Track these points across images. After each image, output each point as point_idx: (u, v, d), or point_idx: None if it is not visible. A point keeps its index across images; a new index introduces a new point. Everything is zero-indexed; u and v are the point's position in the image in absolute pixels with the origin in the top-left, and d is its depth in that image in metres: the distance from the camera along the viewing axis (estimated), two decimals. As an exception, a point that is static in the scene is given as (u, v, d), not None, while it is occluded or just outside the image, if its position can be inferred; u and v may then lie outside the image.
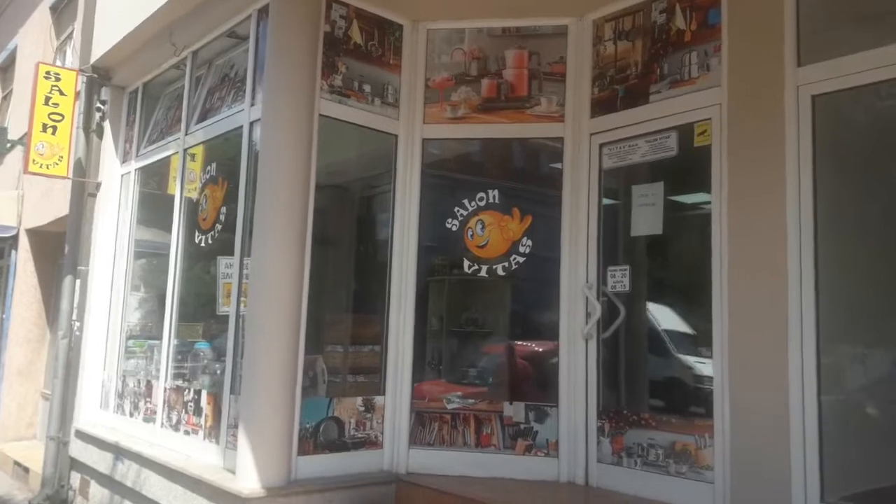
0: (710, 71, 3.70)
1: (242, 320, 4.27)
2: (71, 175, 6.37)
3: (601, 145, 4.20)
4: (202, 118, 5.23)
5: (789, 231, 3.25)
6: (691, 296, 3.92)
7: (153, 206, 6.19)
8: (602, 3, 4.27)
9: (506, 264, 4.38)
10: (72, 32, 8.81)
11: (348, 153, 5.26)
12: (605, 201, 4.19)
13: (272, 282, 3.97)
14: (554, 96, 4.40)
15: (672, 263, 4.09)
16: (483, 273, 4.43)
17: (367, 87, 4.41)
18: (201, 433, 4.67)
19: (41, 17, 9.84)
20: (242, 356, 4.10)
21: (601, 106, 4.24)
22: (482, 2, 4.39)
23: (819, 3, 3.34)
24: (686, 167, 3.84)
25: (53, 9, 9.55)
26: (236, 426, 4.06)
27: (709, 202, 3.63)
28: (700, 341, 3.81)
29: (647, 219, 3.94)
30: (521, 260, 4.35)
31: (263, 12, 4.43)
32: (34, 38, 9.97)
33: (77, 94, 6.43)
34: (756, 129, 3.42)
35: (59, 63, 8.82)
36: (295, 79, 4.02)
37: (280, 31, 4.09)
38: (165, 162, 5.71)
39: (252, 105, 4.46)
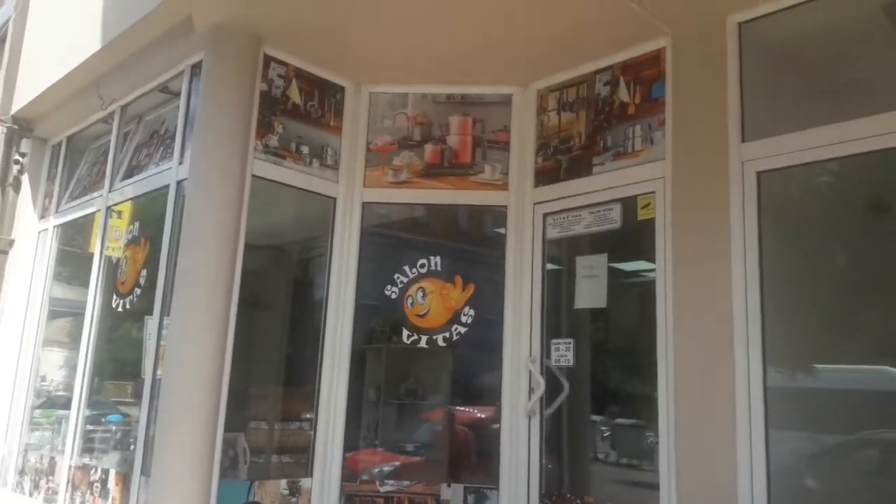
0: (653, 144, 3.68)
1: (159, 388, 3.91)
2: (-20, 231, 5.91)
3: (545, 215, 4.11)
4: (128, 175, 4.94)
5: (735, 308, 3.18)
6: (636, 370, 3.79)
7: (73, 265, 5.79)
8: (546, 74, 4.26)
9: (447, 334, 4.18)
10: (-3, 81, 8.39)
11: (284, 214, 5.05)
12: (550, 270, 4.07)
13: (191, 343, 3.65)
14: (498, 164, 4.32)
15: (616, 336, 3.97)
16: (423, 343, 4.21)
17: (304, 149, 4.23)
18: (106, 519, 4.20)
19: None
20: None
21: (545, 175, 4.17)
22: (426, 68, 4.33)
23: (763, 81, 3.38)
24: (630, 239, 3.77)
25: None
26: (146, 512, 3.65)
27: (653, 275, 3.55)
28: (646, 418, 3.66)
29: (591, 291, 3.83)
30: (463, 330, 4.16)
31: (197, 68, 4.24)
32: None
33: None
34: (701, 203, 3.38)
35: (-20, 112, 8.36)
36: (227, 137, 3.82)
37: (213, 87, 3.90)
38: (88, 219, 5.36)
39: (180, 163, 4.21)
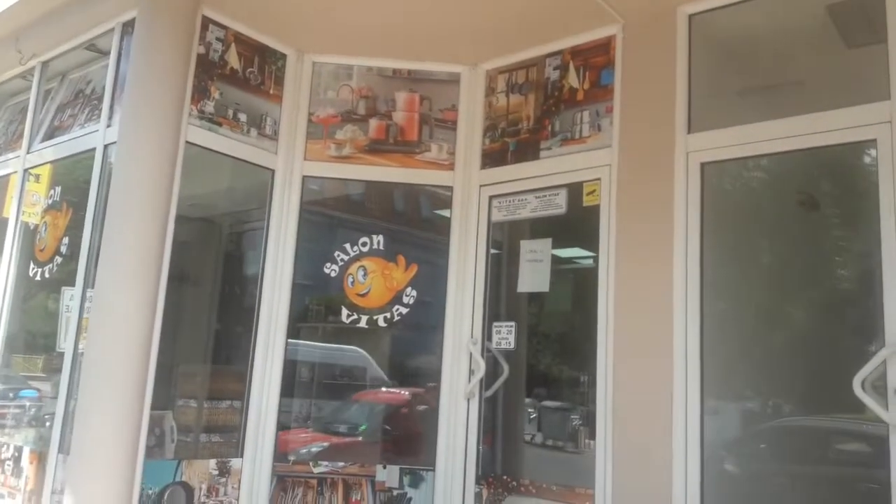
0: (601, 131, 3.69)
1: (80, 362, 3.70)
2: None
3: (491, 197, 4.08)
4: (49, 136, 4.61)
5: (675, 295, 3.23)
6: (576, 356, 3.84)
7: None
8: (496, 54, 4.20)
9: (387, 315, 4.11)
10: None
11: (219, 185, 4.84)
12: (494, 254, 4.05)
13: (117, 317, 3.44)
14: (445, 143, 4.25)
15: (558, 321, 4.00)
16: (362, 323, 4.13)
17: (242, 116, 4.04)
18: (20, 498, 3.96)
19: None
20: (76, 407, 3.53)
21: (492, 158, 4.13)
22: (374, 40, 4.19)
23: (710, 73, 3.43)
24: (575, 225, 3.79)
25: None
26: (62, 492, 3.45)
27: (596, 261, 3.57)
28: (583, 403, 3.72)
29: (534, 275, 3.83)
30: (405, 311, 4.10)
31: (129, 26, 3.98)
32: None
33: None
34: (645, 191, 3.41)
35: None
36: (160, 100, 3.59)
37: (146, 48, 3.66)
38: (3, 181, 4.99)
39: (108, 126, 3.96)
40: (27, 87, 4.96)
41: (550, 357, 4.20)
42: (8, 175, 4.91)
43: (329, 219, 4.53)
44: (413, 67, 4.35)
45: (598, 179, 3.64)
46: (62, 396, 3.78)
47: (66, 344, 3.92)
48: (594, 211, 3.64)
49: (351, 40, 4.21)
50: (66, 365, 3.83)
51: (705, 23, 3.44)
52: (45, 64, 4.76)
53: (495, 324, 3.94)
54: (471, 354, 3.95)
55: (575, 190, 3.74)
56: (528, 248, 3.89)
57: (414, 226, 4.55)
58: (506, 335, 3.89)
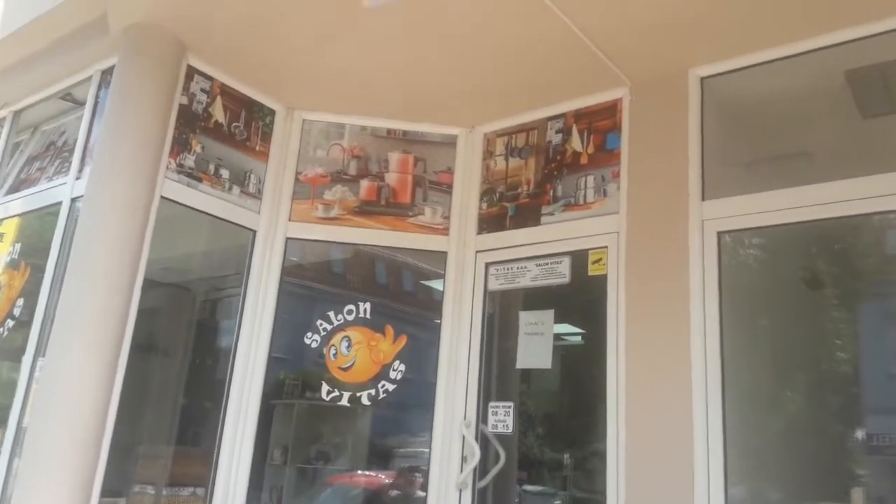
0: (607, 196, 3.47)
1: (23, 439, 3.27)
2: None
3: (487, 264, 3.80)
4: (14, 190, 4.30)
5: (694, 376, 2.93)
6: (583, 441, 3.48)
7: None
8: (495, 117, 4.02)
9: (372, 392, 3.74)
10: None
11: (194, 247, 4.54)
12: (490, 327, 3.74)
13: (69, 391, 3.04)
14: (439, 207, 4.01)
15: (562, 402, 3.64)
16: (344, 401, 3.75)
17: (224, 172, 3.78)
18: None
19: None
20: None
21: (489, 223, 3.88)
22: (367, 99, 4.00)
23: (724, 138, 3.26)
24: (579, 296, 3.51)
25: None
26: None
27: (604, 335, 3.27)
28: (589, 490, 3.34)
29: (535, 350, 3.51)
30: (391, 388, 3.73)
31: (108, 74, 3.74)
32: None
33: None
34: (658, 259, 3.16)
35: None
36: (135, 150, 3.31)
37: (124, 94, 3.41)
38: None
39: (77, 178, 3.66)
40: (-4, 139, 4.68)
41: (562, 441, 3.80)
42: (-33, 231, 4.56)
43: (313, 284, 4.21)
44: (408, 128, 4.15)
45: (605, 247, 3.39)
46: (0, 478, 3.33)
47: (12, 418, 3.49)
48: (600, 281, 3.37)
49: (344, 98, 4.02)
50: (8, 442, 3.38)
51: (718, 86, 3.29)
52: (16, 114, 4.50)
53: (491, 404, 3.58)
54: (463, 438, 3.57)
55: (579, 258, 3.48)
56: (527, 319, 3.59)
57: (405, 294, 4.24)
58: (503, 417, 3.52)
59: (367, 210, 4.03)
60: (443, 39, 3.36)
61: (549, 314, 3.51)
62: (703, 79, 3.32)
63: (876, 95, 3.24)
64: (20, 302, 3.81)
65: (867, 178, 2.77)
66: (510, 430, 3.49)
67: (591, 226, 3.47)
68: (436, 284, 3.96)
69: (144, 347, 3.56)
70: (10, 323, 3.81)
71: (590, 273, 3.42)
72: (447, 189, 4.04)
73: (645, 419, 3.01)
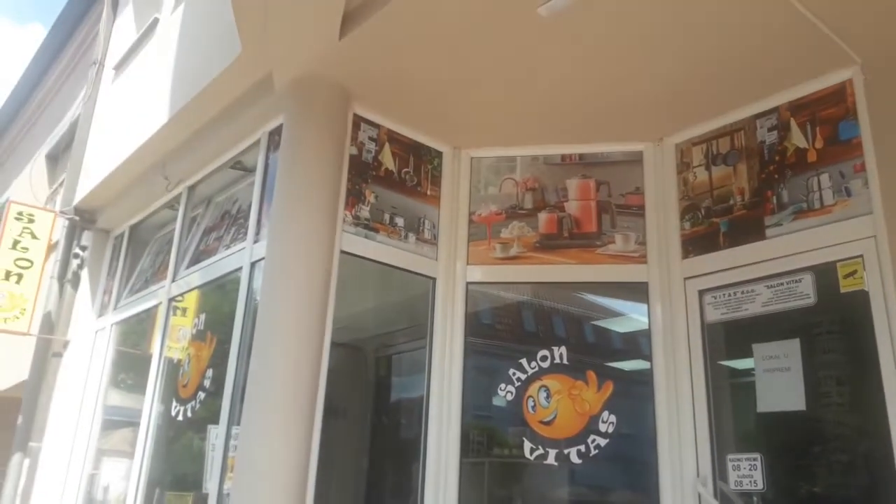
0: (851, 196, 2.88)
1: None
2: (34, 331, 5.37)
3: (701, 292, 3.28)
4: (195, 261, 4.35)
5: None
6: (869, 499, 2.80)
7: (130, 368, 5.16)
8: (684, 125, 3.55)
9: (581, 448, 3.28)
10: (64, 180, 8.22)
11: (364, 304, 4.36)
12: (715, 363, 3.19)
13: (269, 456, 2.90)
14: (631, 233, 3.56)
15: (825, 452, 2.97)
16: (551, 459, 3.32)
17: (399, 221, 3.57)
18: None
19: (38, 167, 9.33)
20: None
21: (696, 244, 3.37)
22: (536, 127, 3.68)
23: None
24: (831, 319, 2.90)
25: (50, 157, 9.06)
26: None
27: (874, 366, 2.64)
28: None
29: (779, 388, 2.92)
30: (603, 442, 3.26)
31: (276, 134, 3.69)
32: (28, 188, 9.39)
33: (54, 243, 5.62)
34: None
35: (47, 211, 8.11)
36: (312, 207, 3.17)
37: (295, 151, 3.31)
38: (150, 314, 4.76)
39: (256, 242, 3.59)
40: (173, 218, 4.81)
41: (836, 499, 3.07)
42: (153, 308, 4.67)
43: (500, 331, 3.86)
44: (585, 151, 3.76)
45: (859, 257, 2.78)
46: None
47: (210, 484, 3.39)
48: (857, 298, 2.75)
49: (510, 129, 3.73)
50: (211, 508, 3.27)
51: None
52: (191, 188, 4.60)
53: (730, 456, 3.00)
54: (699, 497, 3.01)
55: (826, 273, 2.88)
56: (764, 353, 3.01)
57: (605, 336, 3.78)
58: (748, 472, 2.93)
59: (549, 244, 3.66)
60: (624, 42, 2.97)
61: (794, 344, 2.92)
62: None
63: None
64: (209, 373, 3.75)
65: None
66: (759, 486, 2.89)
67: (835, 233, 2.88)
68: (639, 318, 3.48)
69: (328, 411, 3.36)
70: (202, 395, 3.76)
71: (842, 290, 2.81)
72: (638, 212, 3.59)
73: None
